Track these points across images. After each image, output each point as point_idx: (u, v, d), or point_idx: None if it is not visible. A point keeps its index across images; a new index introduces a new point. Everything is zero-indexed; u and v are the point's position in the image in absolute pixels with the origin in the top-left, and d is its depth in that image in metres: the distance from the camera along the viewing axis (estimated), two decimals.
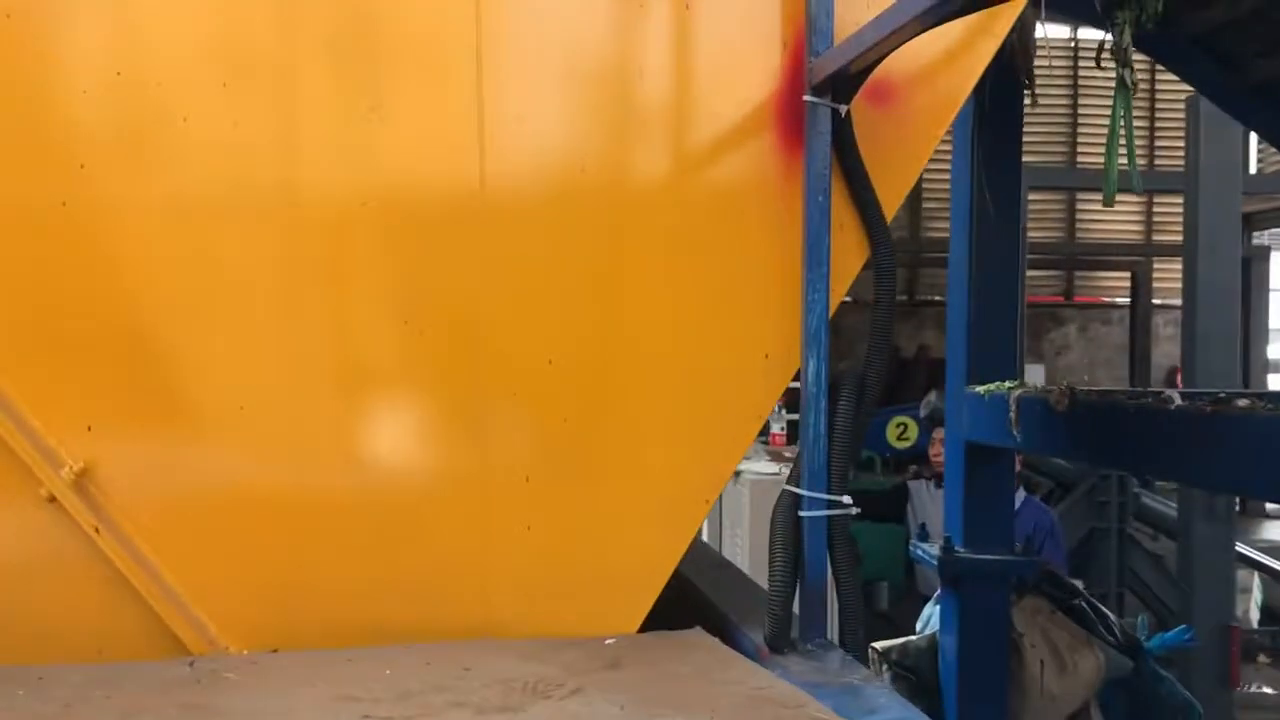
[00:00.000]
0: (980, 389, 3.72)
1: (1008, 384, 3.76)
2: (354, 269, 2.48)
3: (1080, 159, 13.90)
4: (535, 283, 2.52)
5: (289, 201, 2.43)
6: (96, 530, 2.35)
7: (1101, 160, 2.77)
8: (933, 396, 10.01)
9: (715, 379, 2.57)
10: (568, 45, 2.50)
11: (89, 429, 2.38)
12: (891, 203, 2.61)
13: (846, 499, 2.51)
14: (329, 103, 2.42)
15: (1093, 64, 3.01)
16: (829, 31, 2.46)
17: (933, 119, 2.64)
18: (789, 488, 2.55)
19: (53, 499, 2.35)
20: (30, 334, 2.37)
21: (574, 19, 2.50)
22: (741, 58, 2.55)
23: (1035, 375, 13.41)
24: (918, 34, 2.11)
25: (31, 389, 2.36)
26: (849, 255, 2.61)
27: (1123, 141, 2.59)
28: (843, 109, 2.46)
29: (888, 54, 2.29)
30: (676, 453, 2.56)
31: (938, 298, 13.43)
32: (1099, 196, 13.84)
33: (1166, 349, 13.90)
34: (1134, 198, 13.29)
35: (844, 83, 2.42)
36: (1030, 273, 12.37)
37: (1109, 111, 2.72)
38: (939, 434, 6.38)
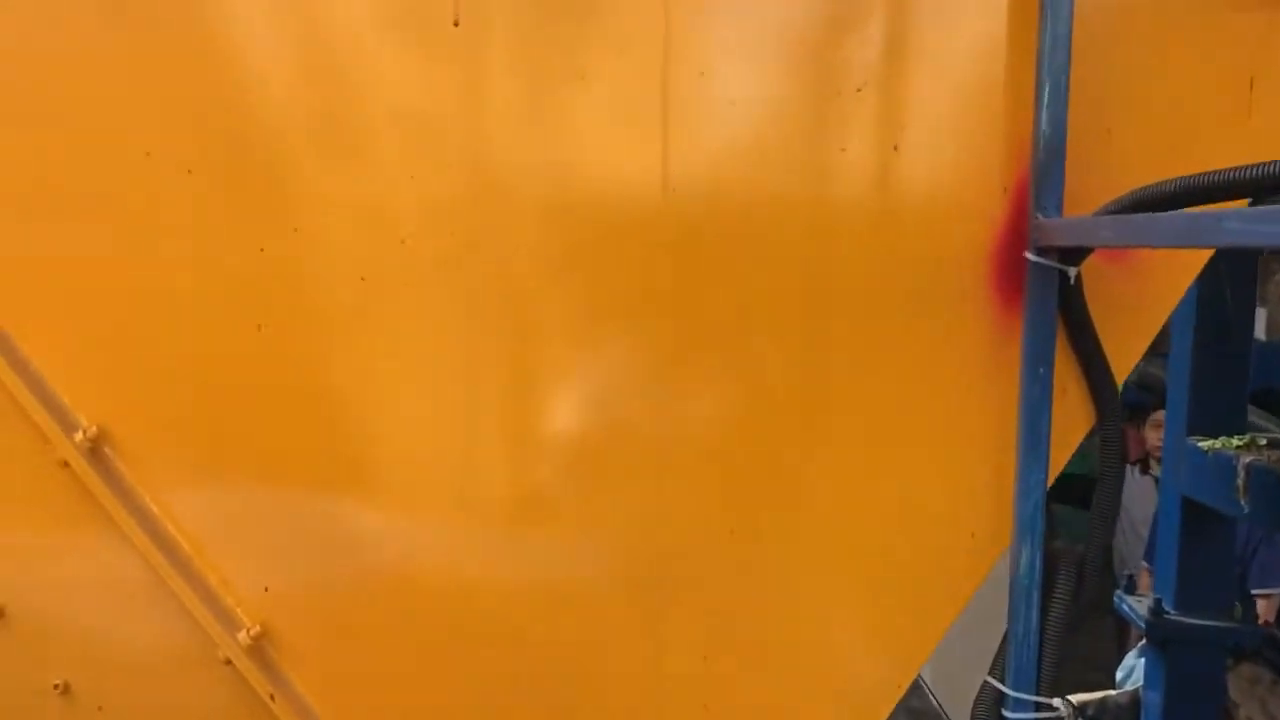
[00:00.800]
0: (1204, 444, 3.38)
1: (1235, 441, 3.41)
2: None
3: None
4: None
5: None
6: (272, 697, 2.32)
7: None
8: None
9: (913, 556, 2.36)
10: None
11: (266, 590, 2.35)
12: (1124, 366, 2.33)
13: (1057, 702, 2.27)
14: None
15: None
16: (1059, 188, 2.17)
17: (1178, 274, 2.32)
18: (992, 681, 2.32)
19: (229, 662, 2.33)
20: (210, 490, 2.34)
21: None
22: (953, 202, 2.29)
23: (1258, 321, 12.25)
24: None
25: (209, 548, 2.33)
26: (1071, 424, 2.34)
27: None
28: (1072, 273, 2.18)
29: None
30: (865, 636, 2.37)
31: None
32: None
33: None
34: None
35: (1075, 249, 2.14)
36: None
37: None
38: (1158, 417, 5.95)
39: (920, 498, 2.35)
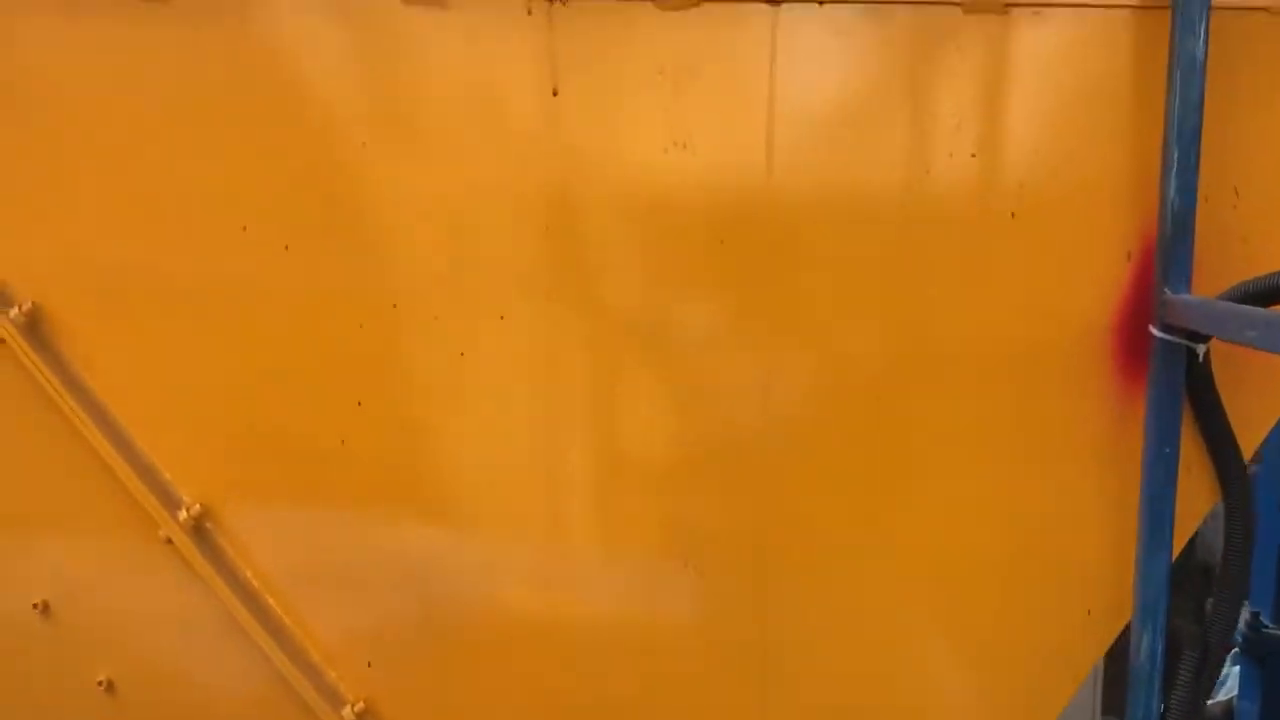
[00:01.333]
0: None
1: None
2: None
3: None
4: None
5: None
6: None
7: None
8: None
9: (1028, 634, 2.28)
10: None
11: (369, 665, 2.34)
12: (1251, 442, 2.22)
13: None
14: None
15: None
16: (1188, 262, 2.07)
17: None
18: None
19: None
20: (313, 565, 2.33)
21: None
22: (1073, 270, 2.19)
23: None
24: None
25: (313, 623, 2.33)
26: (1194, 501, 2.24)
27: None
28: (1200, 350, 2.07)
29: None
30: (977, 713, 2.30)
31: None
32: None
33: None
34: None
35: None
36: None
37: None
38: None
39: (1036, 574, 2.27)
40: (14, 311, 2.23)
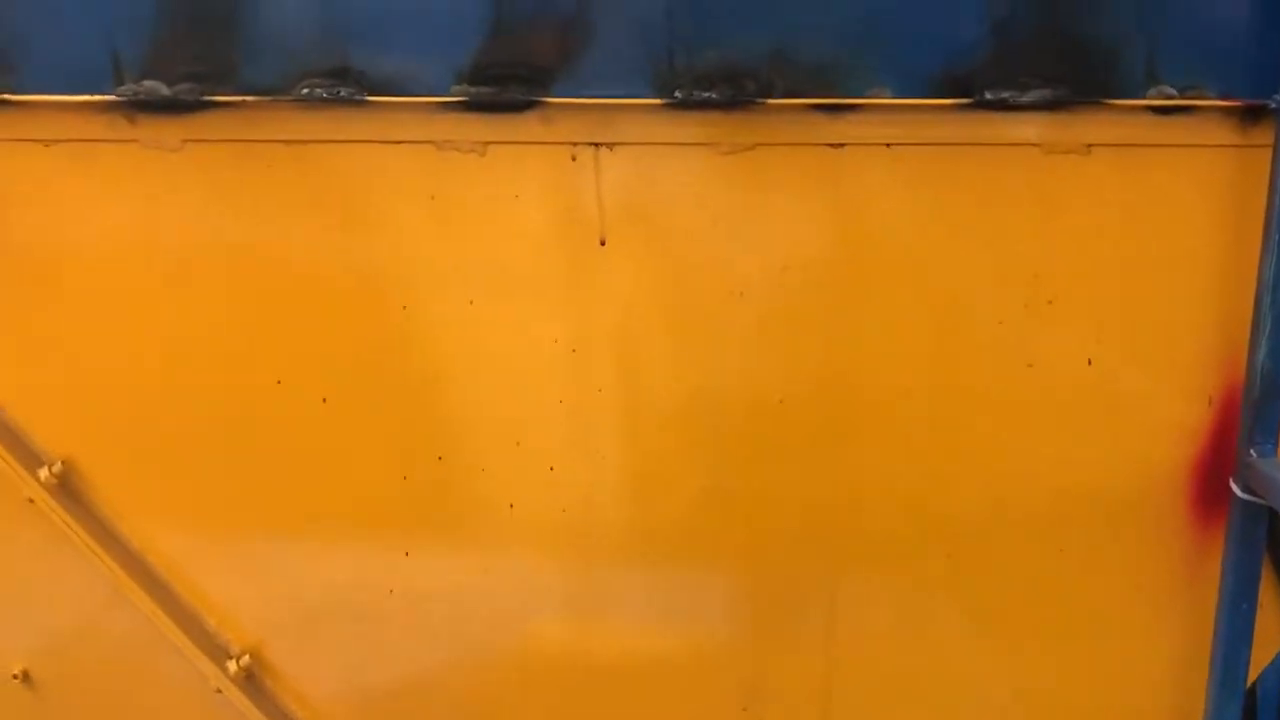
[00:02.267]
0: None
1: None
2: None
3: None
4: None
5: None
6: None
7: None
8: None
9: None
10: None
11: None
12: None
13: None
14: None
15: None
16: (1274, 432, 1.97)
17: None
18: None
19: None
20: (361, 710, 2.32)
21: None
22: (1151, 416, 2.09)
23: None
24: None
25: None
26: (1266, 637, 2.20)
27: None
28: None
29: None
30: None
31: None
32: None
33: None
34: None
35: None
36: None
37: None
38: None
39: (1101, 698, 2.26)
40: (44, 472, 2.14)
